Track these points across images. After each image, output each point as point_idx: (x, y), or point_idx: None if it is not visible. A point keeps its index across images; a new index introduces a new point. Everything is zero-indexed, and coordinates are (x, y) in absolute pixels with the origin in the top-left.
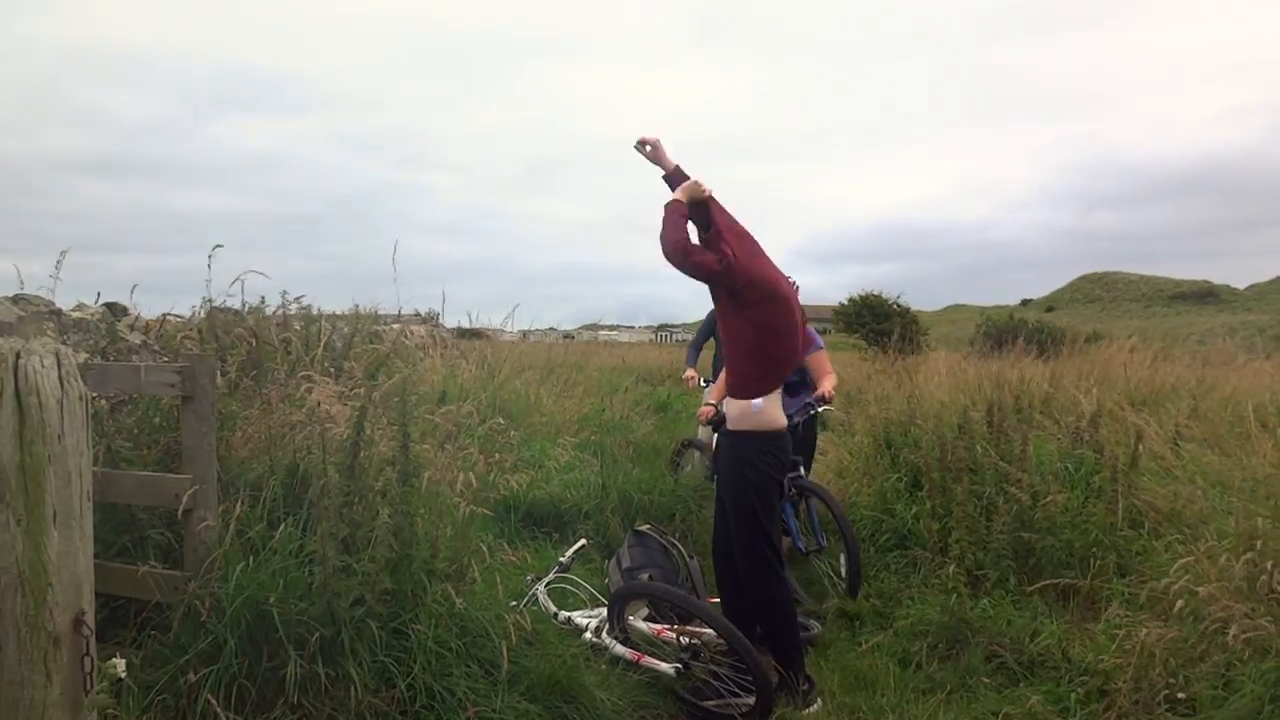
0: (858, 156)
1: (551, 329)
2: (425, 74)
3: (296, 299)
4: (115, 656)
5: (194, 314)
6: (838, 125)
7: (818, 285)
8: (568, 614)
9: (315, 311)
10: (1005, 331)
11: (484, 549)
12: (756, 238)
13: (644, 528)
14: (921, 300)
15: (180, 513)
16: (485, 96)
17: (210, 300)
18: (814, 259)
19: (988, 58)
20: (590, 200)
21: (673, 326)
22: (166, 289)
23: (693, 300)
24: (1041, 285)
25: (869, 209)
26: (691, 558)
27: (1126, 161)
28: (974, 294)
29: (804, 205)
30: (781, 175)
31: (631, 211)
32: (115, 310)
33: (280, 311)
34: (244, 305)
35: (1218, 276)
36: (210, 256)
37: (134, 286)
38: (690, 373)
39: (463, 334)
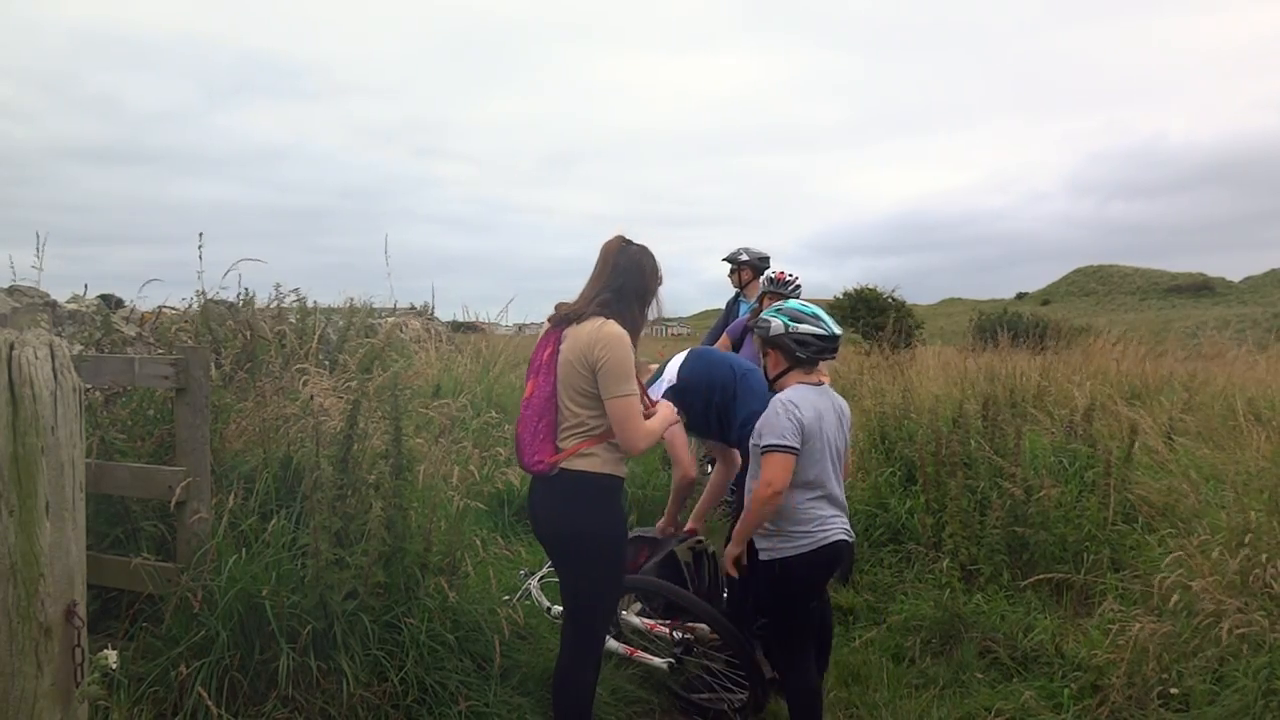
0: (892, 147)
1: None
2: (452, 61)
3: (293, 290)
4: (107, 648)
5: (189, 306)
6: (876, 115)
7: (826, 279)
8: (560, 608)
9: (310, 304)
10: (999, 325)
11: (477, 543)
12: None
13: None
14: (921, 294)
15: (173, 505)
16: (510, 85)
17: (204, 293)
18: (828, 251)
19: (1033, 45)
20: (602, 192)
21: (668, 320)
22: (167, 281)
23: (696, 293)
24: (1046, 279)
25: (890, 201)
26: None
27: (1162, 151)
28: (981, 287)
29: (831, 197)
30: (814, 166)
31: (642, 204)
32: (110, 302)
33: (275, 304)
34: (240, 297)
35: (1232, 269)
36: (200, 247)
37: (146, 282)
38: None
39: (458, 327)
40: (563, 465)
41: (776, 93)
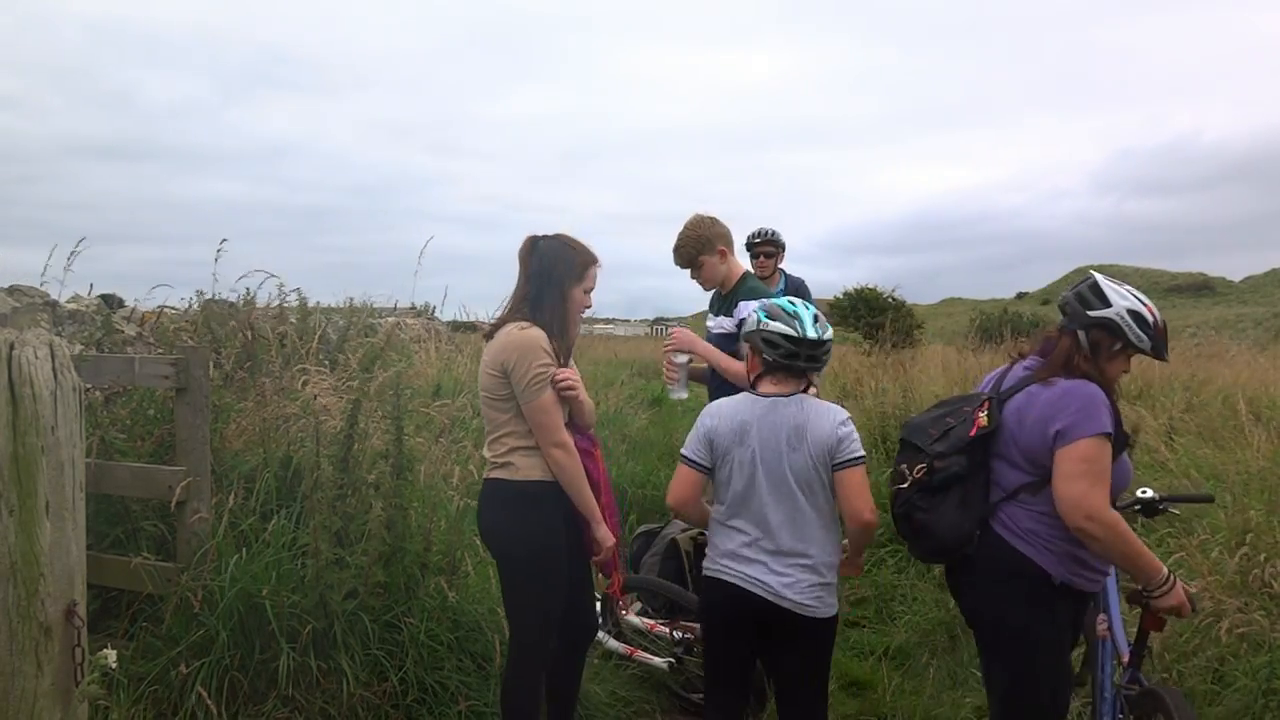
0: (922, 144)
1: None
2: (471, 55)
3: (295, 290)
4: (106, 648)
5: (189, 306)
6: (910, 111)
7: (834, 278)
8: None
9: (312, 304)
10: (999, 325)
11: (477, 543)
12: None
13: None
14: (930, 293)
15: (173, 505)
16: (531, 79)
17: (203, 293)
18: (839, 250)
19: (1072, 39)
20: (615, 191)
21: (668, 320)
22: (171, 281)
23: (697, 293)
24: (1051, 278)
25: (909, 198)
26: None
27: (1189, 148)
28: (993, 287)
29: (853, 194)
30: (843, 162)
31: (653, 203)
32: (111, 302)
33: (278, 304)
34: (241, 297)
35: (1244, 268)
36: (219, 250)
37: (154, 286)
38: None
39: (458, 327)
40: (486, 475)
41: (811, 87)
